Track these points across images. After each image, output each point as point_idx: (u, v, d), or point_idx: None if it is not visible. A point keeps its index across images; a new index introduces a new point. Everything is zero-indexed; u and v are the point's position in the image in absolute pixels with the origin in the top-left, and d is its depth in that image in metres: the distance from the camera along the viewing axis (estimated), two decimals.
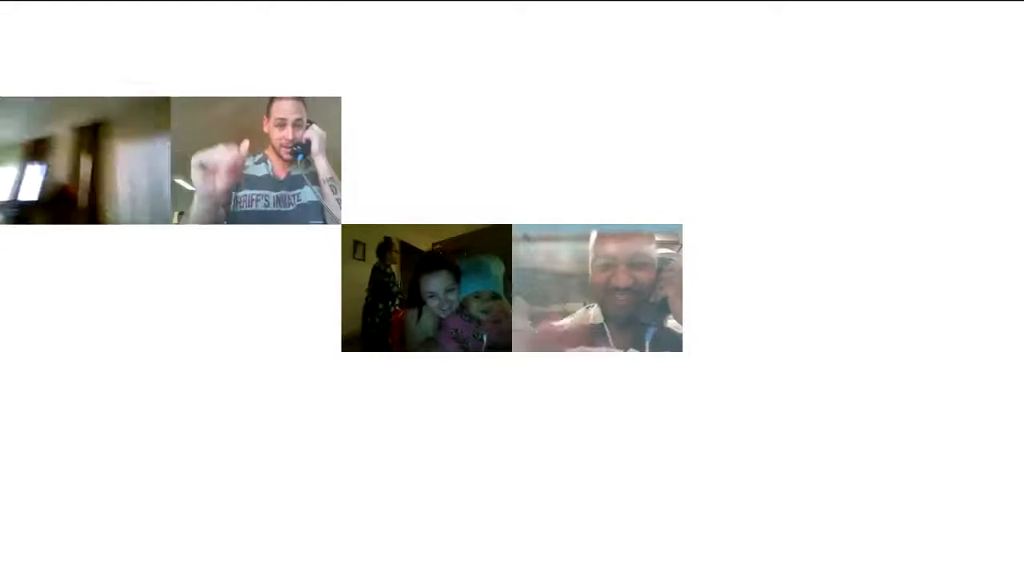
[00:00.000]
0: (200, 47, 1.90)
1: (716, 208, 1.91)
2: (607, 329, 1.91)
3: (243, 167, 1.92)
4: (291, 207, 1.94)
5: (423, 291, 1.94)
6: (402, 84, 1.91)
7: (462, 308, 1.94)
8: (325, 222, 1.92)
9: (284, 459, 1.88)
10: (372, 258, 1.94)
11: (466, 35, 1.91)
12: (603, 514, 1.89)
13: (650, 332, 1.91)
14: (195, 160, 1.90)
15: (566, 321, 1.91)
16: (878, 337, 1.89)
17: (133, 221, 1.91)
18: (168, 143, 1.91)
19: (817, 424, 1.89)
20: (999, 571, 1.87)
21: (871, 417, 1.89)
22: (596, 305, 1.92)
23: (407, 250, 1.94)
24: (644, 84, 1.91)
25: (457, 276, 1.94)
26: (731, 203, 1.91)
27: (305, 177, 1.94)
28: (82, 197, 1.92)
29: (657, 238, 1.91)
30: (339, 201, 1.92)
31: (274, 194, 1.94)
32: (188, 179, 1.90)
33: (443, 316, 1.94)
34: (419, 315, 1.94)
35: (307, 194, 1.94)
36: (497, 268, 1.92)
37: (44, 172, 1.91)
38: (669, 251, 1.91)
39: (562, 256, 1.91)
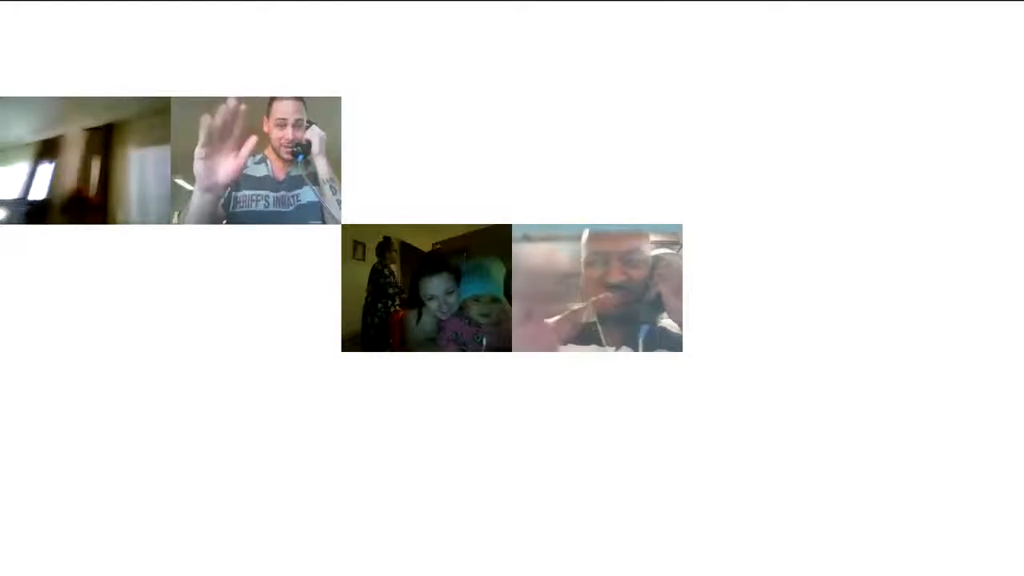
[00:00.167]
0: (200, 47, 1.91)
1: (716, 208, 1.91)
2: (599, 327, 1.91)
3: (244, 164, 1.92)
4: (290, 207, 1.94)
5: (423, 293, 1.94)
6: (402, 84, 1.91)
7: (462, 311, 1.94)
8: (324, 223, 1.92)
9: (284, 459, 1.87)
10: (372, 258, 1.93)
11: (466, 35, 1.92)
12: (604, 513, 1.88)
13: (643, 330, 1.90)
14: (199, 149, 1.89)
15: (556, 319, 1.91)
16: (878, 338, 1.89)
17: (141, 222, 1.91)
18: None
19: (817, 425, 1.88)
20: (999, 571, 1.86)
21: (872, 419, 1.88)
22: (588, 303, 1.91)
23: (407, 250, 1.94)
24: (644, 84, 1.92)
25: (457, 278, 1.94)
26: (731, 203, 1.91)
27: (305, 178, 1.94)
28: (93, 198, 1.92)
29: (656, 238, 1.91)
30: (339, 202, 1.92)
31: (273, 194, 1.94)
32: (188, 179, 1.90)
33: (442, 318, 1.93)
34: (419, 316, 1.94)
35: (307, 194, 1.94)
36: (498, 271, 1.92)
37: (53, 172, 1.92)
38: (669, 251, 1.91)
39: (562, 256, 1.91)
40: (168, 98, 1.91)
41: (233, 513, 1.86)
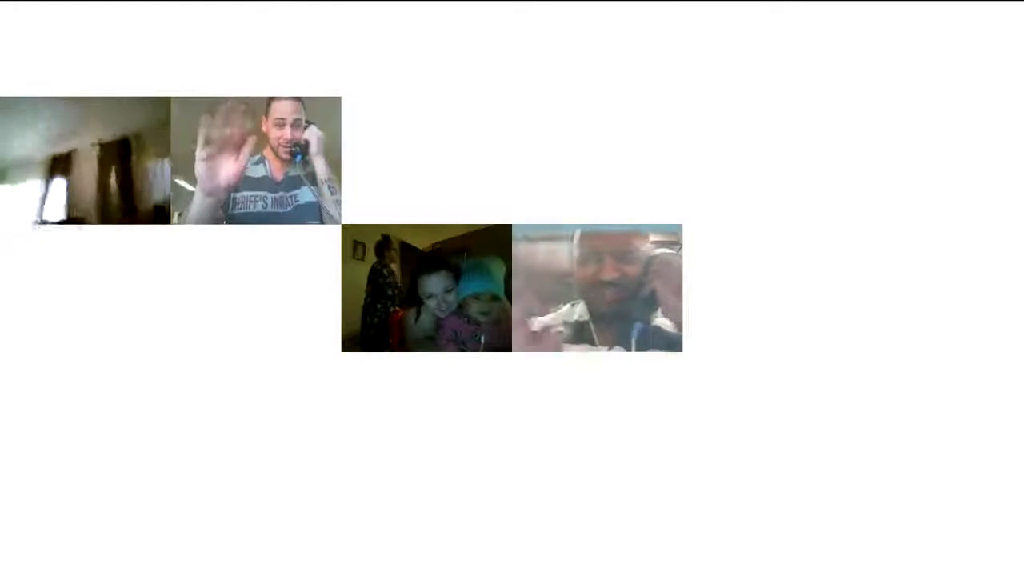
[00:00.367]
0: (200, 47, 1.91)
1: (716, 208, 1.91)
2: (592, 326, 1.90)
3: (245, 167, 1.92)
4: (288, 208, 1.94)
5: (422, 291, 1.94)
6: (402, 84, 1.91)
7: (461, 309, 1.94)
8: (323, 223, 1.92)
9: (284, 459, 1.88)
10: (372, 258, 1.94)
11: (466, 35, 1.91)
12: (603, 513, 1.89)
13: (636, 329, 1.90)
14: (200, 151, 1.89)
15: (548, 318, 1.90)
16: (878, 338, 1.89)
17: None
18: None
19: (816, 425, 1.88)
20: (999, 571, 1.86)
21: (872, 422, 1.88)
22: (581, 302, 1.91)
23: (406, 249, 1.94)
24: (644, 84, 1.91)
25: (456, 276, 1.94)
26: (731, 203, 1.91)
27: (303, 178, 1.94)
28: (111, 212, 1.92)
29: (655, 238, 1.91)
30: (337, 202, 1.92)
31: (272, 195, 1.94)
32: (188, 180, 1.91)
33: (441, 316, 1.94)
34: (417, 315, 1.94)
35: (305, 195, 1.93)
36: (499, 269, 1.92)
37: (67, 189, 1.92)
38: (668, 251, 1.90)
39: (562, 256, 1.91)
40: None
41: (233, 513, 1.87)
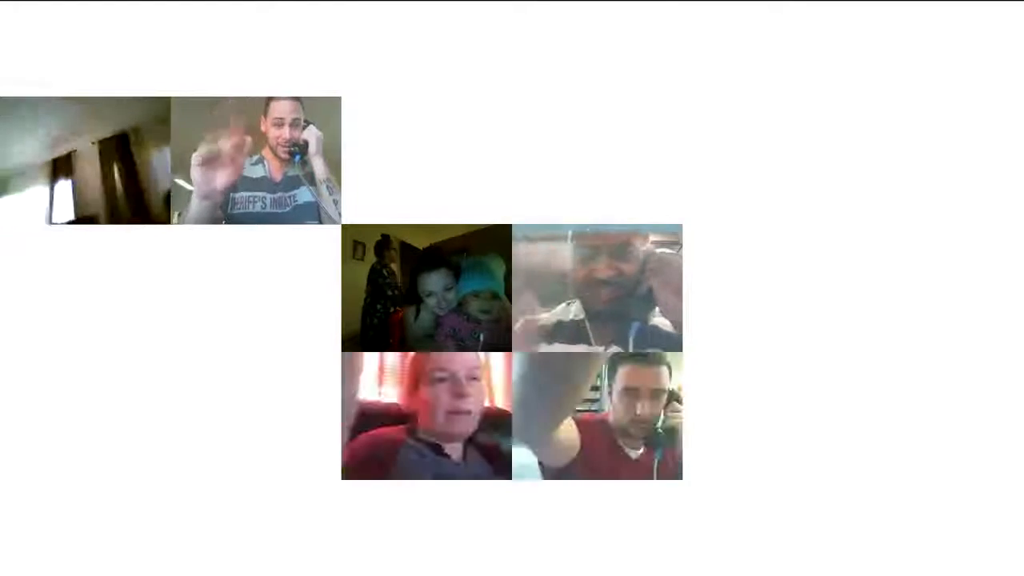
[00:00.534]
0: (200, 47, 1.90)
1: (716, 208, 1.90)
2: (588, 325, 1.90)
3: (242, 170, 1.91)
4: (287, 208, 1.93)
5: (421, 289, 1.94)
6: (402, 84, 1.91)
7: (460, 307, 1.93)
8: (321, 223, 1.92)
9: (284, 459, 1.88)
10: (372, 258, 1.94)
11: (465, 35, 1.91)
12: (605, 511, 1.89)
13: (634, 328, 1.89)
14: (196, 156, 1.89)
15: (543, 317, 1.90)
16: (878, 339, 1.89)
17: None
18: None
19: (816, 425, 1.88)
20: (999, 571, 1.87)
21: (872, 425, 1.88)
22: (577, 301, 1.90)
23: (406, 250, 1.94)
24: (644, 84, 1.91)
25: (456, 274, 1.94)
26: (731, 203, 1.90)
27: (302, 178, 1.93)
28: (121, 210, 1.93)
29: (655, 238, 1.90)
30: (336, 202, 1.91)
31: (271, 196, 1.93)
32: (188, 179, 1.90)
33: (441, 314, 1.93)
34: (417, 313, 1.94)
35: (304, 195, 1.93)
36: (499, 267, 1.92)
37: (73, 189, 1.92)
38: (668, 251, 1.90)
39: (562, 256, 1.90)
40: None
41: (232, 513, 1.88)
